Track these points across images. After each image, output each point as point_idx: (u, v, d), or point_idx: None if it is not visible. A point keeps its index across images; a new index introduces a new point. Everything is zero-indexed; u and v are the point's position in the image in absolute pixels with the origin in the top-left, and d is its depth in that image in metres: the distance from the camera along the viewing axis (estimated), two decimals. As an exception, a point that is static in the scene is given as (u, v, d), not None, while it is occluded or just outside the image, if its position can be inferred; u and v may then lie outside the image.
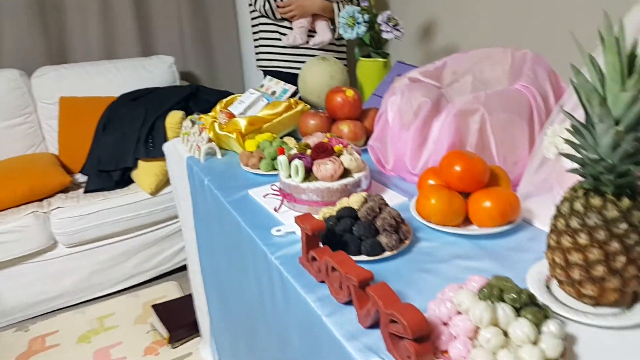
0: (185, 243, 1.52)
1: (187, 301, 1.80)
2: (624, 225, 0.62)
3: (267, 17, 1.84)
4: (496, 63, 1.18)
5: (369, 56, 1.55)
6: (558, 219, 0.67)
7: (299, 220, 0.78)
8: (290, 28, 1.84)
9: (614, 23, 0.60)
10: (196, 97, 2.11)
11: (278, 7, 1.78)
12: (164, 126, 1.91)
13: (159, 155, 1.89)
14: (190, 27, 2.60)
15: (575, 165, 0.66)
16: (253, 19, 1.95)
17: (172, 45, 2.58)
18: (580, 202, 0.64)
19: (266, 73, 1.95)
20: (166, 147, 1.45)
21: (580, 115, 0.66)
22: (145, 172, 1.94)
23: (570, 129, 0.65)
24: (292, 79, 1.58)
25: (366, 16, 1.48)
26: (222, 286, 1.24)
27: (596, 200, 0.63)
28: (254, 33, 1.98)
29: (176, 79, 2.37)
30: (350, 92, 1.25)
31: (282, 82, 1.41)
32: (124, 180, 2.00)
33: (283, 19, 1.82)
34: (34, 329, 1.94)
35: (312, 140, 1.05)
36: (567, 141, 0.66)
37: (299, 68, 1.84)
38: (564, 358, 0.58)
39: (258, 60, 1.99)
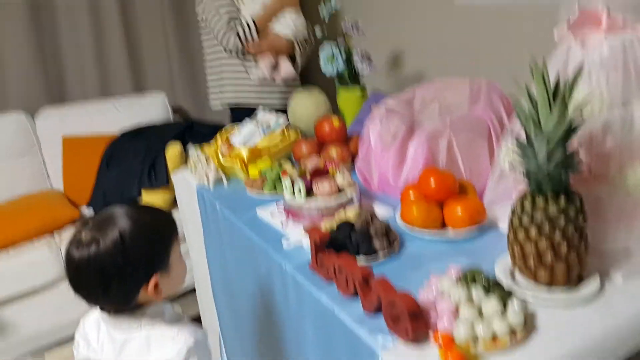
0: (192, 264, 1.66)
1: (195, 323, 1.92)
2: (563, 220, 0.80)
3: (235, 55, 1.93)
4: (457, 91, 1.38)
5: (347, 86, 1.75)
6: (513, 218, 0.85)
7: (307, 231, 0.95)
8: (256, 64, 1.94)
9: (541, 62, 0.80)
10: (191, 131, 2.28)
11: (247, 46, 1.89)
12: (164, 159, 2.06)
13: (162, 185, 2.04)
14: (179, 63, 2.78)
15: (522, 174, 0.85)
16: (211, 56, 2.04)
17: (161, 81, 2.75)
18: (528, 202, 0.83)
19: (233, 109, 2.05)
20: (175, 177, 1.61)
21: (523, 134, 0.85)
22: (149, 200, 2.08)
23: (516, 145, 0.85)
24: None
25: (343, 54, 1.68)
26: (234, 299, 1.39)
27: (540, 201, 0.82)
28: (213, 71, 2.06)
29: (169, 114, 2.53)
30: (336, 121, 1.44)
31: (275, 114, 1.58)
32: (129, 211, 2.13)
33: (249, 56, 1.92)
34: (50, 357, 2.03)
35: (310, 162, 1.22)
36: (515, 155, 0.86)
37: (266, 103, 1.94)
38: (526, 328, 0.76)
39: (219, 94, 2.06)
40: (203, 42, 2.08)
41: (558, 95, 0.79)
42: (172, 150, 2.04)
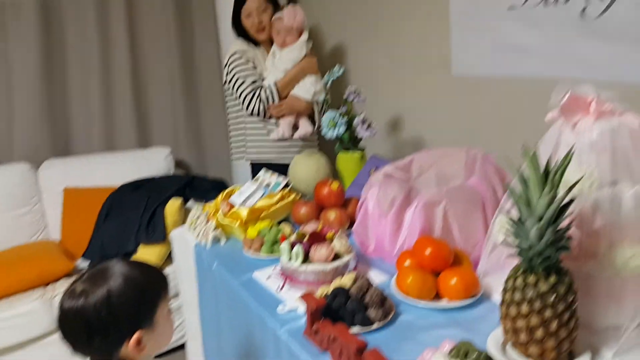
0: (185, 322, 1.65)
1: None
2: (553, 297, 0.82)
3: (257, 116, 2.08)
4: (454, 160, 1.43)
5: (347, 150, 1.80)
6: (505, 293, 0.87)
7: (304, 299, 0.97)
8: (275, 124, 2.08)
9: (532, 147, 0.84)
10: (192, 185, 2.31)
11: (270, 108, 2.03)
12: (163, 213, 2.08)
13: (159, 240, 2.05)
14: (184, 121, 2.86)
15: (514, 251, 0.87)
16: (235, 117, 2.18)
17: (166, 136, 2.82)
18: (520, 279, 0.85)
19: (255, 165, 2.15)
20: (173, 235, 1.63)
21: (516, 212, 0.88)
22: (145, 256, 2.08)
23: (509, 223, 0.88)
24: (280, 168, 1.79)
25: (345, 119, 1.75)
26: (225, 361, 1.37)
27: (531, 278, 0.84)
28: (236, 129, 2.19)
29: (171, 168, 2.58)
30: (335, 185, 1.47)
31: (276, 175, 1.62)
32: (125, 264, 2.13)
33: (270, 117, 2.08)
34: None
35: (309, 227, 1.25)
36: (507, 232, 0.88)
37: (285, 158, 2.06)
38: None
39: (243, 152, 2.18)
40: (227, 104, 2.21)
41: (549, 177, 0.83)
42: (172, 206, 2.08)
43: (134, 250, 2.12)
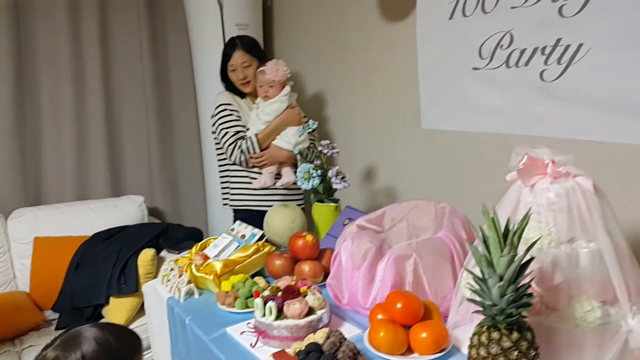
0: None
1: None
2: (515, 353, 0.86)
3: (240, 165, 2.13)
4: (424, 213, 1.48)
5: (322, 201, 1.85)
6: (471, 349, 0.90)
7: (276, 357, 0.97)
8: (259, 173, 2.12)
9: (494, 204, 0.90)
10: (165, 234, 2.30)
11: (251, 158, 2.07)
12: (136, 264, 2.06)
13: (131, 292, 2.02)
14: (159, 168, 2.87)
15: (479, 308, 0.91)
16: (222, 165, 2.24)
17: (140, 184, 2.81)
18: (484, 335, 0.89)
19: (237, 211, 2.19)
20: (145, 288, 1.61)
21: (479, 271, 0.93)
22: (116, 308, 2.04)
23: (473, 280, 0.92)
24: (261, 215, 1.80)
25: (319, 171, 1.80)
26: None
27: (495, 334, 0.88)
28: (223, 177, 2.25)
29: (145, 216, 2.56)
30: (309, 237, 1.50)
31: (251, 227, 1.65)
32: (95, 317, 2.08)
33: (254, 166, 2.12)
34: None
35: (282, 283, 1.27)
36: (471, 290, 0.92)
37: (267, 206, 2.06)
38: None
39: (227, 199, 2.23)
40: (216, 152, 2.25)
41: (508, 238, 0.88)
42: (145, 256, 2.06)
43: (106, 302, 2.08)
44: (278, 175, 2.14)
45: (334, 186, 1.80)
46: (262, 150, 2.07)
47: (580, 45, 1.44)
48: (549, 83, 1.53)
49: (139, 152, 2.84)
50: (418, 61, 1.98)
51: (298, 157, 2.06)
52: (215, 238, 1.62)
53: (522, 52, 1.59)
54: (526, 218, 0.90)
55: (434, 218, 1.45)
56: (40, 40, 2.53)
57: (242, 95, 2.19)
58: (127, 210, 2.52)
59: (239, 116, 2.13)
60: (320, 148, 1.87)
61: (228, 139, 2.09)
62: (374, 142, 2.30)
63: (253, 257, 1.51)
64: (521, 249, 0.91)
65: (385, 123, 2.23)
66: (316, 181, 1.79)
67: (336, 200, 1.84)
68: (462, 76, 1.80)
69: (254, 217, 1.88)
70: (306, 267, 1.46)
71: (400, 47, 2.07)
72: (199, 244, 1.61)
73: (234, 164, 2.14)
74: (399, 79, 2.11)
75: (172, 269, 1.53)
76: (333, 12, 2.42)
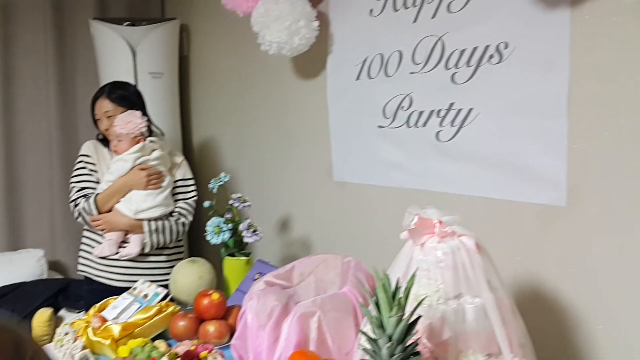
0: None
1: None
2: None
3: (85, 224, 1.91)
4: (330, 267, 1.51)
5: (233, 255, 1.82)
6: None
7: None
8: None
9: (383, 273, 0.94)
10: (66, 292, 2.15)
11: (92, 220, 1.86)
12: (30, 326, 1.90)
13: (22, 358, 1.84)
14: (63, 218, 2.70)
15: (372, 368, 0.93)
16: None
17: (41, 237, 2.63)
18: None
19: (87, 279, 1.98)
20: (35, 355, 1.48)
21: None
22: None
23: (366, 341, 0.94)
24: (109, 290, 1.66)
25: (230, 225, 1.79)
26: None
27: (386, 394, 0.90)
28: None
29: (44, 271, 2.39)
30: (215, 295, 1.47)
31: (154, 285, 1.58)
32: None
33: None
34: None
35: (181, 348, 1.22)
36: (365, 350, 0.95)
37: (109, 278, 1.89)
38: None
39: (78, 264, 2.01)
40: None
41: (396, 299, 0.92)
42: (40, 317, 1.91)
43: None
44: (126, 244, 1.89)
45: (245, 239, 1.79)
46: (102, 212, 1.85)
47: (470, 110, 1.57)
48: (444, 143, 1.65)
49: (40, 202, 2.67)
50: (329, 117, 2.06)
51: (146, 226, 1.84)
52: (115, 298, 1.54)
53: (421, 113, 1.71)
54: (412, 278, 0.95)
55: (340, 272, 1.48)
56: None
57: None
58: (25, 266, 2.34)
59: (93, 170, 1.93)
60: (231, 202, 1.87)
61: (72, 195, 1.90)
62: (288, 194, 2.33)
63: (155, 318, 1.45)
64: (413, 307, 0.95)
65: (299, 175, 2.28)
66: (227, 235, 1.77)
67: (247, 254, 1.83)
68: (368, 133, 1.90)
69: (97, 292, 1.69)
70: (211, 327, 1.42)
71: (313, 103, 2.14)
72: (98, 304, 1.53)
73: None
74: (312, 132, 2.18)
75: (66, 333, 1.43)
76: (251, 64, 2.48)
